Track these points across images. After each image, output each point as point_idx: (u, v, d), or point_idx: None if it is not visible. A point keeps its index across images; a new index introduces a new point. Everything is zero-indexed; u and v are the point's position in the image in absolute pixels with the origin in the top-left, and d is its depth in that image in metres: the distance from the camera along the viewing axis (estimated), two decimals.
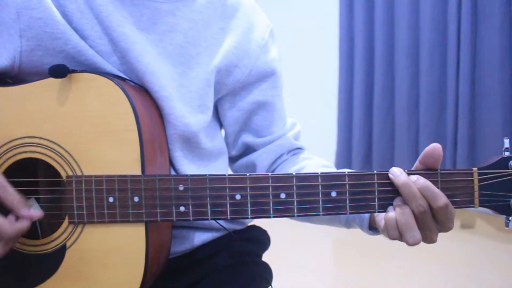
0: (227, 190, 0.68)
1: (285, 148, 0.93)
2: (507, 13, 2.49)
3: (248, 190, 0.67)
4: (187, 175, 0.68)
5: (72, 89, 0.70)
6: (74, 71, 0.70)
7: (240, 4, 0.89)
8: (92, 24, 0.75)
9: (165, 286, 0.82)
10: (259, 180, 0.67)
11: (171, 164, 0.80)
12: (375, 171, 0.67)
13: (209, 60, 0.83)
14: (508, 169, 0.66)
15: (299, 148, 0.96)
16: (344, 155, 3.28)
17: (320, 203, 0.67)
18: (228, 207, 0.68)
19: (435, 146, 0.65)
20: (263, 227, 0.98)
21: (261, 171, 0.92)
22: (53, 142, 0.70)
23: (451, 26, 2.71)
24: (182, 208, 0.68)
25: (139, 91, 0.75)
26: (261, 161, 0.91)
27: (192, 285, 0.84)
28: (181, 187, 0.68)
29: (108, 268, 0.69)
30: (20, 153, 0.71)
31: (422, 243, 0.67)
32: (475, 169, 0.66)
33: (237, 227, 0.92)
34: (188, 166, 0.82)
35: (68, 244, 0.70)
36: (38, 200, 0.72)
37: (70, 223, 0.70)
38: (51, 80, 0.70)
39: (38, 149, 0.70)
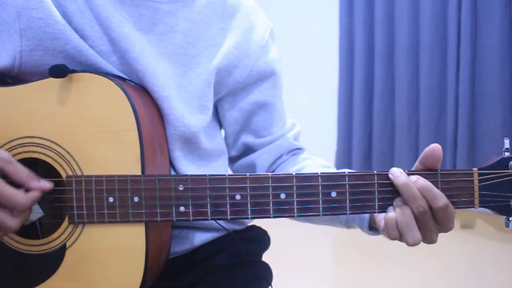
0: (227, 190, 0.68)
1: (285, 148, 0.93)
2: (507, 13, 2.49)
3: (248, 190, 0.67)
4: (187, 175, 0.68)
5: (72, 89, 0.70)
6: (74, 71, 0.70)
7: (240, 4, 0.89)
8: (92, 24, 0.75)
9: (165, 286, 0.82)
10: (259, 180, 0.67)
11: (171, 164, 0.80)
12: (375, 171, 0.67)
13: (209, 60, 0.83)
14: (508, 169, 0.66)
15: (299, 149, 0.96)
16: (344, 155, 3.28)
17: (320, 203, 0.67)
18: (228, 207, 0.68)
19: (435, 147, 0.65)
20: (263, 227, 0.98)
21: (261, 171, 0.92)
22: (53, 142, 0.70)
23: (451, 26, 2.71)
24: (182, 208, 0.68)
25: (139, 91, 0.75)
26: (261, 161, 0.91)
27: (192, 285, 0.84)
28: (181, 187, 0.68)
29: (108, 268, 0.69)
30: (20, 153, 0.71)
31: (422, 243, 0.67)
32: (475, 169, 0.66)
33: (237, 227, 0.92)
34: (188, 167, 0.82)
35: (68, 244, 0.70)
36: (38, 200, 0.72)
37: (70, 223, 0.70)
38: (51, 80, 0.70)
39: (38, 149, 0.70)
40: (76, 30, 0.74)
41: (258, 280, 0.89)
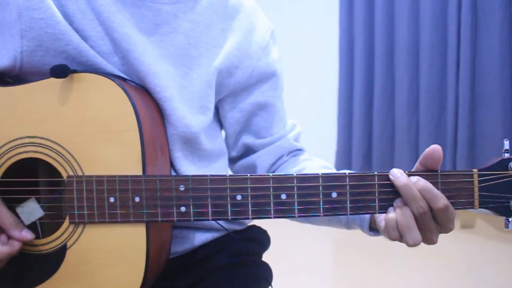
0: (228, 191, 0.68)
1: (285, 149, 0.93)
2: (507, 13, 2.49)
3: (249, 190, 0.68)
4: (188, 176, 0.68)
5: (73, 89, 0.70)
6: (75, 71, 0.70)
7: (241, 5, 0.89)
8: (94, 24, 0.75)
9: (165, 286, 0.82)
10: (260, 181, 0.68)
11: (171, 164, 0.80)
12: (376, 172, 0.67)
13: (210, 61, 0.83)
14: (508, 170, 0.66)
15: (299, 150, 0.97)
16: (344, 155, 3.28)
17: (321, 204, 0.67)
18: (229, 207, 0.68)
19: (435, 148, 0.65)
20: (263, 227, 0.98)
21: (261, 172, 0.92)
22: (54, 142, 0.70)
23: (451, 26, 2.71)
24: (183, 209, 0.68)
25: (140, 92, 0.75)
26: (261, 162, 0.92)
27: (192, 285, 0.84)
28: (182, 188, 0.68)
29: (109, 268, 0.69)
30: (21, 153, 0.71)
31: (422, 243, 0.67)
32: (475, 170, 0.67)
33: (237, 227, 0.92)
34: (188, 167, 0.82)
35: (68, 244, 0.70)
36: (38, 200, 0.72)
37: (70, 223, 0.70)
38: (52, 80, 0.70)
39: (39, 149, 0.70)
40: (77, 30, 0.74)
41: (258, 280, 0.89)
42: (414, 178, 0.65)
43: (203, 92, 0.83)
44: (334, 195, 0.67)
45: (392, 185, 0.66)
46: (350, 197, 0.67)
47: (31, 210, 0.70)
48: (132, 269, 0.69)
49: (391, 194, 0.67)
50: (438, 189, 0.65)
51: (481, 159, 2.62)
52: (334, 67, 3.32)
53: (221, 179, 0.68)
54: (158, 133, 0.75)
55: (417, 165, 0.68)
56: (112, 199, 0.68)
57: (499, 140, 2.46)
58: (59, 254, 0.70)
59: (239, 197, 0.68)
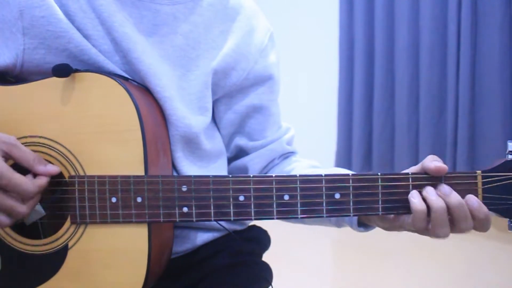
0: (231, 191, 0.68)
1: (277, 152, 0.93)
2: (507, 12, 2.50)
3: (252, 191, 0.67)
4: (190, 176, 0.68)
5: (75, 89, 0.70)
6: (77, 71, 0.70)
7: (241, 7, 0.89)
8: (94, 23, 0.75)
9: (165, 286, 0.82)
10: (262, 182, 0.67)
11: (172, 165, 0.80)
12: (379, 174, 0.67)
13: (208, 62, 0.83)
14: None
15: (291, 152, 0.96)
16: (344, 155, 3.28)
17: (324, 205, 0.67)
18: (231, 208, 0.68)
19: (442, 168, 0.66)
20: (263, 227, 0.98)
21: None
22: (55, 141, 0.70)
23: (451, 26, 2.71)
24: (185, 209, 0.68)
25: (142, 91, 0.75)
26: (253, 165, 0.91)
27: (192, 285, 0.84)
28: (184, 188, 0.68)
29: (110, 269, 0.69)
30: None
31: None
32: (479, 172, 0.67)
33: (238, 227, 0.92)
34: (189, 167, 0.82)
35: (70, 244, 0.70)
36: (40, 200, 0.72)
37: (72, 223, 0.70)
38: (54, 79, 0.70)
39: (41, 149, 0.70)
40: (78, 29, 0.74)
41: (258, 280, 0.89)
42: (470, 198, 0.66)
43: (200, 93, 0.82)
44: (337, 196, 0.67)
45: (395, 186, 0.66)
46: (353, 198, 0.67)
47: (33, 210, 0.70)
48: (133, 269, 0.69)
49: (394, 195, 0.67)
50: None
51: (481, 159, 2.62)
52: (334, 67, 3.32)
53: (224, 180, 0.68)
54: (160, 133, 0.75)
55: (418, 168, 0.68)
56: (114, 199, 0.68)
57: (499, 140, 2.47)
58: (61, 254, 0.70)
59: (241, 198, 0.67)
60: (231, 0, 0.88)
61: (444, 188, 0.66)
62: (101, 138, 0.69)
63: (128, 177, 0.68)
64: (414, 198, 0.66)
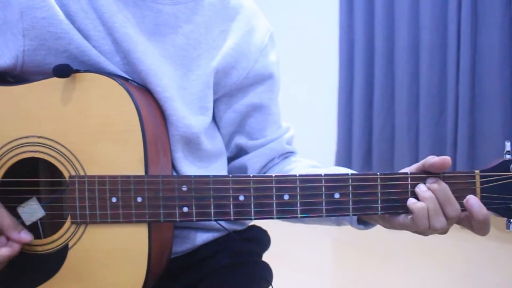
0: (231, 191, 0.68)
1: (277, 152, 0.93)
2: (507, 12, 2.50)
3: (252, 191, 0.68)
4: (190, 176, 0.68)
5: (75, 89, 0.70)
6: (77, 71, 0.70)
7: (241, 7, 0.89)
8: (95, 24, 0.75)
9: (165, 286, 0.82)
10: (262, 182, 0.68)
11: (172, 165, 0.80)
12: (378, 173, 0.67)
13: (208, 62, 0.83)
14: (510, 172, 0.66)
15: (291, 152, 0.96)
16: (344, 155, 3.28)
17: (323, 204, 0.67)
18: (231, 208, 0.68)
19: (446, 160, 0.66)
20: (263, 227, 0.98)
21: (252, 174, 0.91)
22: (56, 141, 0.70)
23: (451, 26, 2.72)
24: (185, 209, 0.68)
25: (142, 92, 0.75)
26: (253, 164, 0.91)
27: (192, 285, 0.84)
28: (184, 188, 0.68)
29: (110, 269, 0.69)
30: (23, 152, 0.71)
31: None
32: (477, 171, 0.67)
33: (238, 227, 0.92)
34: (189, 168, 0.82)
35: (70, 244, 0.70)
36: (40, 200, 0.72)
37: (72, 223, 0.70)
38: (55, 79, 0.70)
39: (41, 149, 0.70)
40: (79, 30, 0.74)
41: (258, 280, 0.89)
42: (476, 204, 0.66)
43: (202, 93, 0.83)
44: (336, 196, 0.67)
45: (394, 185, 0.67)
46: (353, 198, 0.67)
47: (33, 210, 0.70)
48: (134, 269, 0.69)
49: (394, 195, 0.67)
50: None
51: (481, 159, 2.63)
52: (334, 67, 3.32)
53: (224, 179, 0.68)
54: (160, 133, 0.75)
55: (418, 167, 0.68)
56: (114, 199, 0.68)
57: (499, 140, 2.47)
58: (61, 254, 0.70)
59: (241, 198, 0.68)
60: (231, 0, 0.88)
61: (431, 179, 0.67)
62: (101, 138, 0.69)
63: (128, 177, 0.68)
64: (411, 200, 0.67)
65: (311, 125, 3.32)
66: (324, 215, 0.67)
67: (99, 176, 0.69)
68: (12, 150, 0.71)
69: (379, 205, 0.67)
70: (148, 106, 0.73)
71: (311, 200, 0.67)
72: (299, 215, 0.67)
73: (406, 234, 0.77)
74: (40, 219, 0.71)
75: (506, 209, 0.67)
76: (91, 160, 0.69)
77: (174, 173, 0.81)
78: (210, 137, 0.88)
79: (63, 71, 0.69)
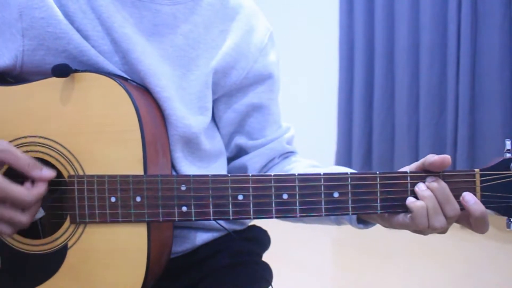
0: (230, 191, 0.68)
1: (277, 152, 0.93)
2: (507, 12, 2.50)
3: (251, 190, 0.68)
4: (189, 175, 0.68)
5: (74, 89, 0.70)
6: (76, 71, 0.70)
7: (241, 7, 0.89)
8: (94, 24, 0.75)
9: (165, 286, 0.82)
10: (261, 181, 0.68)
11: (172, 165, 0.80)
12: (378, 172, 0.67)
13: (207, 62, 0.83)
14: (510, 170, 0.66)
15: (291, 152, 0.96)
16: (344, 155, 3.28)
17: (323, 204, 0.67)
18: (230, 207, 0.68)
19: (446, 159, 0.66)
20: (263, 227, 0.98)
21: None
22: (55, 141, 0.70)
23: (451, 26, 2.72)
24: (184, 208, 0.68)
25: (141, 92, 0.75)
26: (253, 164, 0.91)
27: (192, 285, 0.84)
28: (183, 187, 0.68)
29: (110, 269, 0.69)
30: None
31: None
32: (477, 170, 0.67)
33: (237, 227, 0.92)
34: (188, 167, 0.82)
35: (69, 244, 0.70)
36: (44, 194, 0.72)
37: (71, 223, 0.70)
38: (54, 79, 0.70)
39: (40, 149, 0.70)
40: (78, 30, 0.74)
41: (258, 280, 0.89)
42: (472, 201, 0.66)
43: (201, 93, 0.82)
44: (336, 195, 0.67)
45: (393, 184, 0.67)
46: (352, 197, 0.67)
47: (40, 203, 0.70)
48: (133, 269, 0.69)
49: (393, 194, 0.67)
50: None
51: (481, 159, 2.63)
52: (334, 67, 3.32)
53: (223, 179, 0.68)
54: (159, 133, 0.75)
55: (418, 165, 0.68)
56: (113, 199, 0.68)
57: (499, 140, 2.47)
58: (60, 254, 0.70)
59: (240, 197, 0.68)
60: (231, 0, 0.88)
61: (430, 178, 0.67)
62: (100, 138, 0.69)
63: (127, 176, 0.68)
64: (410, 199, 0.67)
65: (311, 125, 3.32)
66: (323, 214, 0.67)
67: (98, 176, 0.69)
68: None
69: (378, 204, 0.67)
70: (147, 106, 0.73)
71: (310, 199, 0.67)
72: (298, 215, 0.67)
73: (406, 234, 0.77)
74: (40, 219, 0.71)
75: (507, 207, 0.67)
76: (90, 160, 0.69)
77: (174, 173, 0.81)
78: (210, 137, 0.88)
79: (62, 71, 0.69)
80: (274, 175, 0.68)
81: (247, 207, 0.68)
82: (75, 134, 0.70)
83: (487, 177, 0.66)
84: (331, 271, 2.46)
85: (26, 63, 0.74)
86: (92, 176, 0.69)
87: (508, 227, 0.67)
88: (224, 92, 0.88)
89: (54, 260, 0.70)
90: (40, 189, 0.66)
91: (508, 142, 0.67)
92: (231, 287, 0.84)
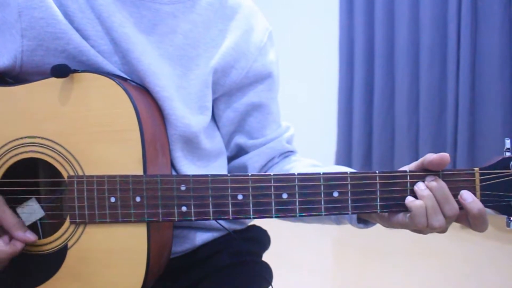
0: (229, 190, 0.68)
1: (277, 151, 0.93)
2: (507, 13, 2.50)
3: (250, 190, 0.67)
4: (189, 175, 0.68)
5: (74, 89, 0.70)
6: (76, 71, 0.70)
7: (240, 6, 0.89)
8: (94, 24, 0.75)
9: (165, 286, 0.82)
10: (261, 181, 0.67)
11: (172, 164, 0.80)
12: (377, 171, 0.67)
13: (207, 61, 0.83)
14: (509, 169, 0.66)
15: (291, 151, 0.96)
16: (344, 155, 3.28)
17: (322, 203, 0.67)
18: (230, 207, 0.68)
19: (445, 156, 0.66)
20: (263, 227, 0.98)
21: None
22: (54, 142, 0.70)
23: (451, 26, 2.72)
24: (184, 208, 0.68)
25: (141, 91, 0.75)
26: (253, 163, 0.91)
27: (192, 285, 0.84)
28: (183, 187, 0.68)
29: (110, 269, 0.69)
30: (22, 153, 0.71)
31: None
32: (476, 169, 0.67)
33: (237, 227, 0.92)
34: (188, 167, 0.82)
35: (69, 244, 0.70)
36: (39, 200, 0.72)
37: (71, 223, 0.70)
38: (53, 79, 0.70)
39: (40, 149, 0.70)
40: (77, 30, 0.74)
41: (258, 280, 0.89)
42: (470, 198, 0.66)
43: (201, 92, 0.83)
44: (335, 194, 0.67)
45: (393, 184, 0.67)
46: (351, 196, 0.67)
47: (32, 210, 0.70)
48: (133, 269, 0.69)
49: (393, 193, 0.67)
50: None
51: (481, 159, 2.63)
52: (334, 67, 3.33)
53: (222, 179, 0.68)
54: (159, 133, 0.75)
55: (418, 164, 0.68)
56: (113, 199, 0.68)
57: (499, 139, 2.47)
58: (60, 254, 0.70)
59: (240, 197, 0.68)
60: None
61: (430, 177, 0.67)
62: (100, 138, 0.69)
63: (127, 176, 0.68)
64: (409, 198, 0.67)
65: (311, 125, 3.32)
66: (323, 214, 0.67)
67: (98, 176, 0.69)
68: (11, 150, 0.71)
69: (378, 204, 0.67)
70: (146, 106, 0.73)
71: (309, 198, 0.67)
72: (297, 214, 0.67)
73: (406, 234, 0.77)
74: (40, 219, 0.71)
75: (506, 206, 0.66)
76: (90, 160, 0.69)
77: (174, 173, 0.81)
78: (210, 137, 0.88)
79: (61, 71, 0.69)
80: (274, 175, 0.68)
81: (247, 207, 0.68)
82: (75, 134, 0.70)
83: (487, 176, 0.66)
84: (331, 271, 2.46)
85: (26, 63, 0.74)
86: (92, 176, 0.69)
87: (508, 225, 0.67)
88: (223, 92, 0.88)
89: (54, 261, 0.70)
90: (16, 248, 0.69)
91: (507, 141, 0.67)
92: (231, 287, 0.84)
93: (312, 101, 3.48)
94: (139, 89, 0.75)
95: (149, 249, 0.68)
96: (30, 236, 0.69)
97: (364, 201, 0.67)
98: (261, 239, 0.97)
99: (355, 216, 0.76)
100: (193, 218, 0.68)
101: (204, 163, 0.86)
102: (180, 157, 0.81)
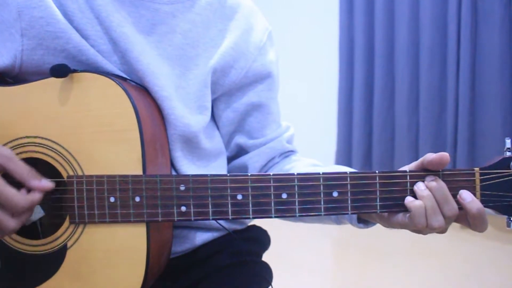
0: (229, 190, 0.68)
1: (277, 151, 0.93)
2: (507, 12, 2.50)
3: (250, 190, 0.67)
4: (188, 175, 0.68)
5: (73, 89, 0.70)
6: (75, 71, 0.70)
7: (239, 6, 0.89)
8: (93, 23, 0.75)
9: (165, 286, 0.82)
10: (260, 180, 0.67)
11: (171, 164, 0.80)
12: (377, 171, 0.67)
13: (206, 61, 0.83)
14: (510, 169, 0.66)
15: (291, 151, 0.96)
16: (344, 155, 3.28)
17: (322, 203, 0.67)
18: (229, 207, 0.68)
19: (444, 156, 0.66)
20: (263, 227, 0.98)
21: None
22: (54, 142, 0.70)
23: (451, 26, 2.72)
24: (183, 208, 0.68)
25: (140, 91, 0.75)
26: (253, 163, 0.91)
27: (192, 285, 0.84)
28: (182, 187, 0.68)
29: (109, 269, 0.69)
30: (21, 153, 0.71)
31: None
32: (477, 169, 0.67)
33: (237, 227, 0.92)
34: (188, 167, 0.82)
35: (69, 244, 0.70)
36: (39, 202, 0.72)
37: (71, 223, 0.70)
38: (52, 79, 0.70)
39: (39, 149, 0.70)
40: (77, 29, 0.74)
41: (258, 280, 0.89)
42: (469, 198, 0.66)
43: (200, 92, 0.82)
44: (335, 194, 0.67)
45: (393, 183, 0.66)
46: (351, 196, 0.67)
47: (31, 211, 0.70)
48: (132, 269, 0.69)
49: (393, 193, 0.67)
50: None
51: (481, 159, 2.63)
52: (334, 67, 3.33)
53: (222, 178, 0.68)
54: (158, 133, 0.75)
55: (417, 164, 0.68)
56: (112, 199, 0.68)
57: (499, 139, 2.48)
58: (60, 254, 0.70)
59: (239, 197, 0.67)
60: None
61: (429, 177, 0.67)
62: (99, 138, 0.69)
63: (127, 176, 0.68)
64: (408, 198, 0.67)
65: (311, 125, 3.32)
66: (322, 213, 0.67)
67: (97, 176, 0.69)
68: (11, 150, 0.71)
69: (377, 204, 0.67)
70: (146, 106, 0.73)
71: (309, 199, 0.67)
72: (297, 214, 0.67)
73: (406, 234, 0.76)
74: (39, 219, 0.71)
75: (507, 206, 0.66)
76: (89, 160, 0.69)
77: (174, 172, 0.81)
78: (209, 136, 0.87)
79: (60, 71, 0.69)
80: (273, 175, 0.67)
81: (246, 207, 0.67)
82: (74, 134, 0.70)
83: (487, 176, 0.66)
84: (331, 271, 2.46)
85: (25, 63, 0.74)
86: (91, 176, 0.69)
87: (508, 226, 0.67)
88: (223, 92, 0.88)
89: (54, 260, 0.70)
90: (35, 196, 0.66)
91: (508, 141, 0.67)
92: (231, 287, 0.84)
93: (312, 101, 3.48)
94: (138, 89, 0.75)
95: (148, 249, 0.68)
96: (47, 183, 0.67)
97: (364, 201, 0.67)
98: (261, 239, 0.97)
99: (355, 216, 0.76)
100: (192, 218, 0.68)
101: (204, 163, 0.86)
102: (179, 157, 0.81)
